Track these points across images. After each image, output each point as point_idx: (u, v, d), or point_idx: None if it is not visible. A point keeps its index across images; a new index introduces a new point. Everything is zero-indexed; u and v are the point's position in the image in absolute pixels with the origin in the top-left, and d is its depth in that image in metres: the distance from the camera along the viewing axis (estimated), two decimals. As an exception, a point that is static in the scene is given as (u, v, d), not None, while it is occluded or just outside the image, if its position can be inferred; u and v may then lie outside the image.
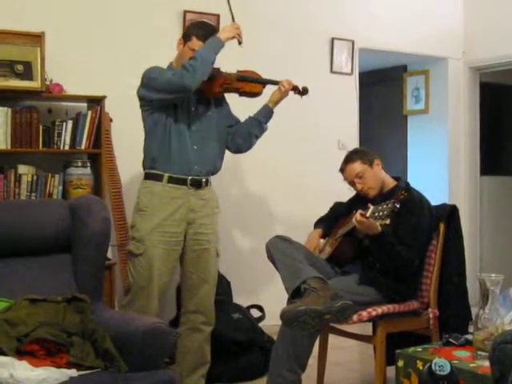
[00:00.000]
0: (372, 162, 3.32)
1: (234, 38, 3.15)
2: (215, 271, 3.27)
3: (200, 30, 3.14)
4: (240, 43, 3.20)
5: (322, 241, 3.49)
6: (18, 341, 2.30)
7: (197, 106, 3.17)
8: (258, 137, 3.36)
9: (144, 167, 3.20)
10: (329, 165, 4.93)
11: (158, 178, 3.10)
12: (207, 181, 3.18)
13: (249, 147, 3.38)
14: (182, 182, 3.09)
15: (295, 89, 3.38)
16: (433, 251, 3.29)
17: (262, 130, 3.34)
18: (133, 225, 3.17)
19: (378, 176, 3.32)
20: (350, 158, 3.37)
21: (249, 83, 3.30)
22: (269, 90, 3.37)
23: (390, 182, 3.35)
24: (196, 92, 3.12)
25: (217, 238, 3.27)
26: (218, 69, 3.25)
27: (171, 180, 3.08)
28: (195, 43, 3.09)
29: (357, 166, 3.30)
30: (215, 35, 3.10)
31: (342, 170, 3.39)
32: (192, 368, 3.23)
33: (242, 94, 3.31)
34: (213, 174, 3.25)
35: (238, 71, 3.30)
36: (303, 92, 3.43)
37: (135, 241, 3.10)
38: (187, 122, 3.12)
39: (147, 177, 3.15)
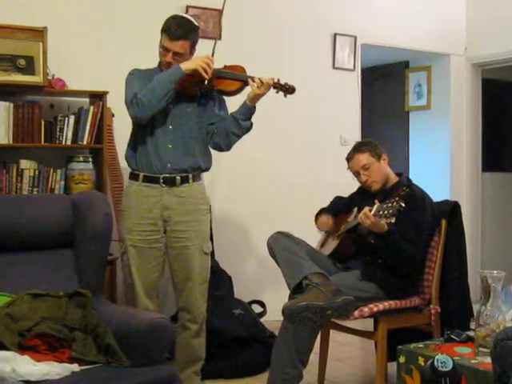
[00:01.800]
0: (380, 156, 3.30)
1: (196, 70, 2.96)
2: (201, 269, 3.16)
3: (169, 25, 3.01)
4: (204, 79, 2.99)
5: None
6: (20, 335, 2.31)
7: (176, 103, 3.07)
8: (236, 135, 3.15)
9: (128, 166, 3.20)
10: (330, 160, 4.96)
11: (136, 177, 3.10)
12: (185, 178, 3.10)
13: (228, 145, 3.20)
14: (155, 180, 3.06)
15: (276, 87, 3.08)
16: (435, 248, 3.28)
17: (241, 127, 3.13)
18: None
19: (383, 171, 3.31)
20: (360, 148, 3.33)
21: (225, 80, 3.10)
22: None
23: (393, 179, 3.34)
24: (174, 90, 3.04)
25: (204, 235, 3.17)
26: None
27: (145, 179, 3.07)
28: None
29: (364, 158, 3.28)
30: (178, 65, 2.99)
31: (348, 159, 3.35)
32: (183, 364, 3.20)
33: (217, 92, 3.16)
34: (201, 171, 3.18)
35: (225, 66, 3.16)
36: (288, 90, 3.09)
37: (120, 240, 3.15)
38: (164, 120, 3.06)
39: (129, 176, 3.16)
